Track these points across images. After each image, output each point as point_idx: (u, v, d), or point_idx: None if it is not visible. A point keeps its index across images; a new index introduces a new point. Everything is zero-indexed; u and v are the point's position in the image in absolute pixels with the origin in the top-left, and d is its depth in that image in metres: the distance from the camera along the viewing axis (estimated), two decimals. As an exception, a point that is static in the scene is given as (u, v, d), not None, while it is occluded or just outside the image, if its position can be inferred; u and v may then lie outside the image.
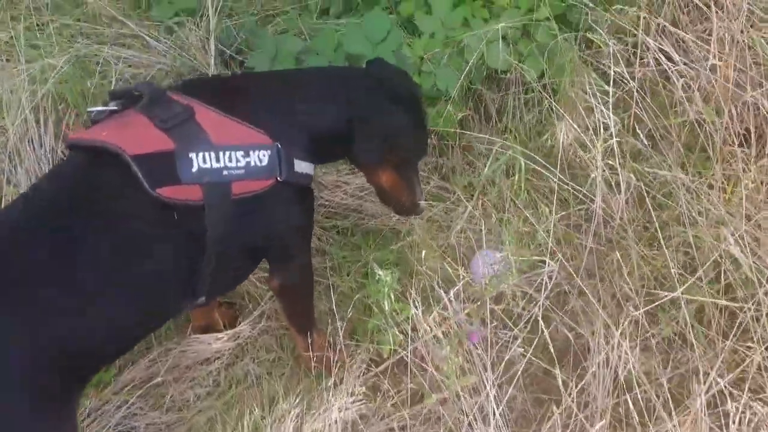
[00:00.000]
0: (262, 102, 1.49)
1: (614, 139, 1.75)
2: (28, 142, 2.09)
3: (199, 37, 2.35)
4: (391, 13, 2.47)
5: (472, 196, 2.26)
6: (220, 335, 1.93)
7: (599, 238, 1.88)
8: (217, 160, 1.31)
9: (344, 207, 2.24)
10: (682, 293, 1.56)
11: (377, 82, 1.64)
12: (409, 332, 1.84)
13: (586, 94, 1.91)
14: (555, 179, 1.91)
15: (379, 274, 1.69)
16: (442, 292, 1.88)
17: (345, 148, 1.63)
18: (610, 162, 1.81)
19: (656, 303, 1.58)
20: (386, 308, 1.76)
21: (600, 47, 1.94)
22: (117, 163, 1.25)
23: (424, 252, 1.85)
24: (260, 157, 1.37)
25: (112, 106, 1.33)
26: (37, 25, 2.45)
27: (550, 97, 2.03)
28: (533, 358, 1.62)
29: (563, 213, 1.94)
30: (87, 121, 1.32)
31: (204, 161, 1.30)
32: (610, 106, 1.79)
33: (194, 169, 1.29)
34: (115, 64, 2.32)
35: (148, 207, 1.25)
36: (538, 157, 1.96)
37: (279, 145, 1.41)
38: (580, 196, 1.87)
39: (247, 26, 2.43)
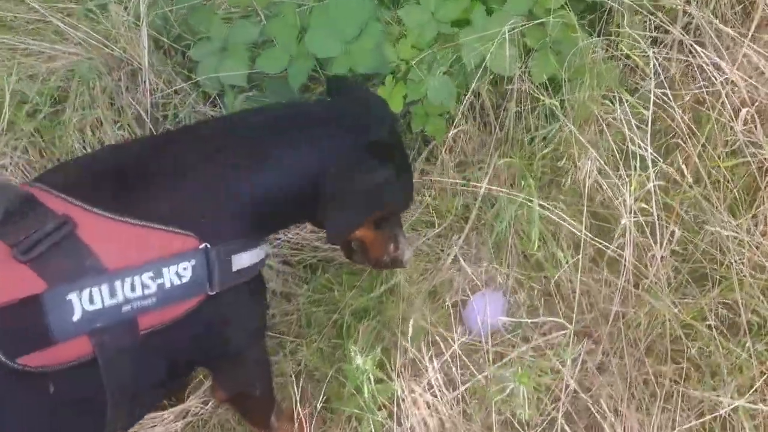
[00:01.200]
0: (181, 181, 1.06)
1: (653, 183, 1.38)
2: None
3: (127, 24, 1.87)
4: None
5: (467, 218, 1.90)
6: (164, 414, 1.58)
7: (627, 297, 1.54)
8: (112, 295, 0.92)
9: (313, 238, 1.86)
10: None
11: (350, 123, 1.23)
12: (395, 413, 1.52)
13: (614, 113, 1.53)
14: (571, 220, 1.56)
15: (357, 364, 1.34)
16: (429, 363, 1.56)
17: (309, 214, 1.23)
18: (644, 205, 1.45)
19: (713, 415, 1.26)
20: (365, 394, 1.42)
21: (632, 56, 1.53)
22: None
23: (411, 321, 1.49)
24: (179, 274, 0.97)
25: None
26: None
27: (561, 111, 1.63)
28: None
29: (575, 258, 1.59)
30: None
31: (91, 301, 0.90)
32: (649, 138, 1.40)
33: (76, 318, 0.90)
34: (22, 59, 1.86)
35: (10, 385, 0.87)
36: (546, 205, 1.60)
37: (208, 246, 1.02)
38: (608, 245, 1.52)
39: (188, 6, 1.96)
